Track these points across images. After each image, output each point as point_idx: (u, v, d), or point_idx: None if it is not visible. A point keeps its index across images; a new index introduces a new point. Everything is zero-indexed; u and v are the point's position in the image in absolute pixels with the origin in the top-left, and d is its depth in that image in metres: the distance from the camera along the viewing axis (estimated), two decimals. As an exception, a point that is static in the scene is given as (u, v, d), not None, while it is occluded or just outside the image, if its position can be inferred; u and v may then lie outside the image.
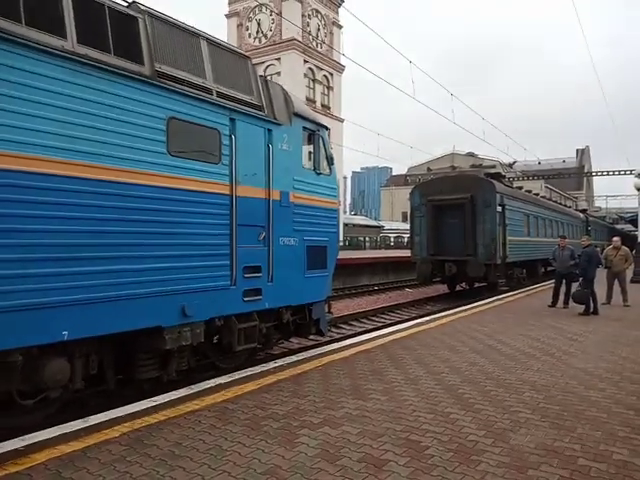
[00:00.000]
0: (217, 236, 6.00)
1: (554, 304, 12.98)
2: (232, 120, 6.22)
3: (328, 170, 8.08)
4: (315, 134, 7.78)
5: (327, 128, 8.36)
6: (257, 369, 6.28)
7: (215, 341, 6.87)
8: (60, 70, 4.53)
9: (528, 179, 47.72)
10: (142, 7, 5.51)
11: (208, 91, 5.98)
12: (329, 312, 8.56)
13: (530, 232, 21.68)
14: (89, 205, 4.71)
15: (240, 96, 6.44)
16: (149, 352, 5.64)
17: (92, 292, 4.73)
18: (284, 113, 7.15)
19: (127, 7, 5.41)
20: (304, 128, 7.57)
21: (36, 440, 3.94)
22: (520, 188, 24.52)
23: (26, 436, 4.00)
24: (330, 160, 8.12)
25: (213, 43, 6.29)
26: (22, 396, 4.73)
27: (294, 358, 6.97)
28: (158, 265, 5.32)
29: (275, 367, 6.40)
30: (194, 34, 6.05)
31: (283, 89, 7.46)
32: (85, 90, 4.72)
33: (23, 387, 4.70)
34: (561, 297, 13.00)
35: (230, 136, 6.18)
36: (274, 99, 7.05)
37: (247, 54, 7.18)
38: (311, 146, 7.79)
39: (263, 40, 43.17)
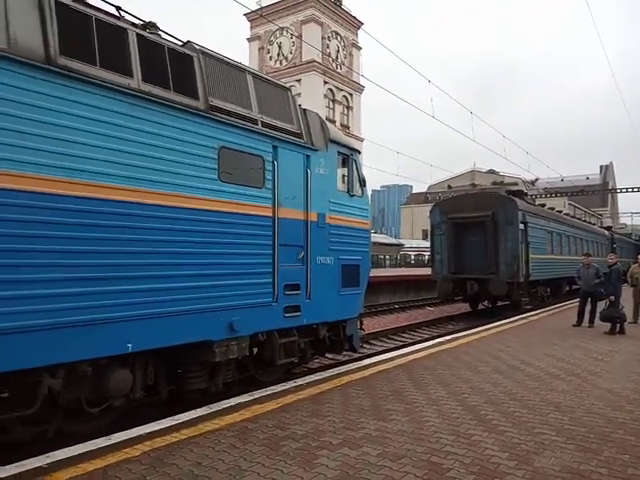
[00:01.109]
0: (261, 255, 6.41)
1: (579, 323, 12.72)
2: (275, 147, 6.64)
3: (360, 192, 8.47)
4: (349, 158, 8.20)
5: (359, 152, 8.70)
6: (277, 388, 6.27)
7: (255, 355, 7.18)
8: (128, 106, 4.97)
9: (551, 196, 47.13)
10: (196, 46, 5.96)
11: (254, 121, 6.40)
12: (361, 329, 8.80)
13: (554, 250, 21.35)
14: (153, 229, 5.13)
15: (282, 125, 6.85)
16: (199, 365, 6.00)
17: (153, 308, 5.14)
18: (321, 139, 7.58)
19: (183, 46, 5.88)
20: (339, 153, 8.01)
21: (60, 458, 3.99)
22: (543, 205, 24.24)
23: (49, 454, 4.05)
24: (362, 182, 8.52)
25: (257, 76, 6.77)
26: (89, 404, 5.14)
27: (313, 377, 6.94)
28: (210, 283, 5.73)
29: (295, 386, 6.39)
30: (240, 69, 6.52)
31: (320, 117, 7.87)
32: (149, 124, 5.15)
33: (90, 396, 5.11)
34: (586, 316, 12.73)
35: (273, 162, 6.59)
36: (312, 127, 7.47)
37: (287, 86, 7.59)
38: (345, 169, 8.19)
39: (284, 62, 43.91)
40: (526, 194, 23.74)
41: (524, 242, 17.52)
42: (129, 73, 5.05)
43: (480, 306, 19.71)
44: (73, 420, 5.21)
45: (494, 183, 63.36)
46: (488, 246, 17.21)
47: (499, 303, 19.02)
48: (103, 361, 4.97)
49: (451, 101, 22.42)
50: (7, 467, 3.75)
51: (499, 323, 13.29)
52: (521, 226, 17.38)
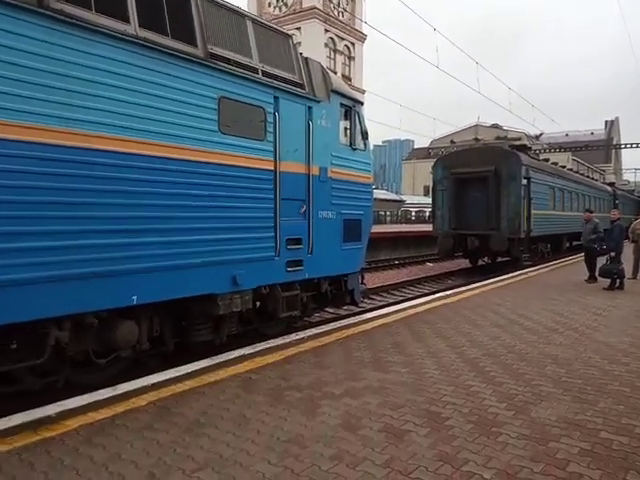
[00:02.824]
0: (263, 209, 6.36)
1: (590, 279, 12.66)
2: (276, 98, 6.46)
3: (363, 145, 8.31)
4: (351, 110, 8.00)
5: (362, 103, 8.48)
6: (279, 341, 6.37)
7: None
8: (124, 53, 4.80)
9: (555, 151, 46.67)
10: None
11: (254, 70, 6.20)
12: (362, 283, 8.85)
13: (555, 205, 21.25)
14: (155, 181, 5.07)
15: (283, 75, 6.65)
16: (203, 317, 6.07)
17: (157, 261, 5.16)
18: (323, 90, 7.37)
19: None
20: (341, 104, 7.81)
21: (68, 407, 4.09)
22: (546, 160, 23.97)
23: (58, 403, 4.16)
24: (365, 135, 8.33)
25: (258, 23, 6.51)
26: (96, 356, 5.24)
27: (315, 331, 7.05)
28: (212, 237, 5.73)
29: (297, 339, 6.50)
30: (240, 14, 6.26)
31: (322, 66, 7.65)
32: (147, 72, 4.99)
33: (98, 347, 5.21)
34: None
35: (274, 114, 6.43)
36: (314, 77, 7.26)
37: (288, 33, 7.30)
38: (347, 122, 8.01)
39: (283, 9, 42.48)
40: (530, 149, 23.39)
41: (526, 197, 17.42)
42: (125, 19, 4.85)
43: (480, 262, 19.82)
44: (81, 371, 5.33)
45: (498, 138, 62.42)
46: (490, 202, 17.11)
47: (499, 259, 19.11)
48: (109, 313, 5.04)
49: (456, 53, 21.82)
50: (17, 415, 3.85)
51: (499, 278, 13.40)
52: (524, 181, 17.24)
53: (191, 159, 5.43)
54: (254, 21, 6.47)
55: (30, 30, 4.14)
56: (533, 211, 17.81)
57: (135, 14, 4.94)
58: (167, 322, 5.93)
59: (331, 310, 9.98)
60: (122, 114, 4.78)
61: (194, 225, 5.51)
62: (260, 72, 6.28)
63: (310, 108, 7.05)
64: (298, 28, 40.71)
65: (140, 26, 4.97)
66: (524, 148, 20.93)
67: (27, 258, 4.17)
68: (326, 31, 41.60)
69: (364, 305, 11.93)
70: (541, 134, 57.72)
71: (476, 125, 71.53)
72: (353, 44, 44.64)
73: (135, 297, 4.99)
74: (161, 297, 5.32)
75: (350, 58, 44.50)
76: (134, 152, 4.90)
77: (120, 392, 4.48)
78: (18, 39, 4.06)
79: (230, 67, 5.86)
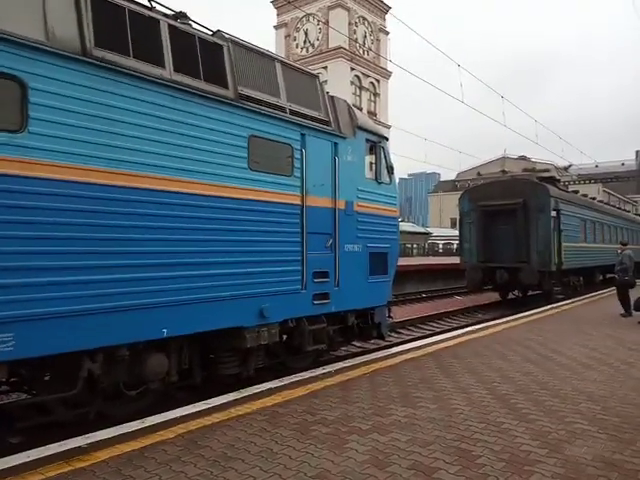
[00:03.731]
0: (290, 243, 6.50)
1: (626, 312, 12.29)
2: (303, 135, 6.68)
3: (388, 179, 8.44)
4: (377, 145, 8.18)
5: (387, 139, 8.65)
6: (306, 375, 6.35)
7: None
8: (160, 96, 5.07)
9: (584, 183, 46.04)
10: (225, 35, 6.02)
11: (282, 110, 6.44)
12: (389, 317, 8.82)
13: (587, 238, 20.84)
14: (186, 217, 5.26)
15: (310, 113, 6.88)
16: (231, 350, 6.15)
17: (187, 294, 5.28)
18: (349, 127, 7.58)
19: (212, 35, 5.94)
20: (367, 140, 7.99)
21: (98, 439, 4.14)
22: (576, 192, 23.63)
23: (88, 435, 4.22)
24: (390, 169, 8.49)
25: (285, 64, 6.80)
26: (127, 388, 5.32)
27: (342, 365, 7.00)
28: (241, 270, 5.86)
29: (323, 373, 6.46)
30: (269, 57, 6.56)
31: (347, 104, 7.87)
32: (181, 114, 5.25)
33: (128, 379, 5.29)
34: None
35: (301, 150, 6.63)
36: (340, 114, 7.48)
37: (315, 73, 7.59)
38: (373, 157, 8.18)
39: (310, 49, 43.77)
40: (558, 180, 23.12)
41: (556, 230, 17.15)
42: (161, 63, 5.13)
43: (510, 295, 19.43)
44: (112, 403, 5.41)
45: (525, 170, 61.89)
46: (519, 234, 16.89)
47: (530, 292, 18.71)
48: (140, 345, 5.15)
49: (481, 88, 21.99)
50: (51, 446, 3.93)
51: (530, 312, 13.11)
52: (553, 213, 17.01)
53: (222, 195, 5.63)
54: (282, 63, 6.77)
55: (74, 77, 4.42)
56: (564, 243, 17.50)
57: (170, 59, 5.21)
58: (196, 355, 5.99)
59: (358, 344, 9.90)
60: (159, 154, 5.02)
61: (223, 259, 5.65)
62: (288, 111, 6.51)
63: (336, 144, 7.25)
64: (325, 67, 41.85)
65: (175, 70, 5.24)
66: (552, 180, 20.73)
67: (63, 292, 4.31)
68: (352, 69, 42.60)
69: (391, 339, 11.80)
70: (570, 165, 57.04)
71: (503, 157, 71.18)
72: (378, 81, 45.52)
73: (165, 330, 5.10)
74: (191, 330, 5.42)
75: (375, 94, 45.32)
76: (169, 190, 5.12)
77: (148, 424, 4.52)
78: (65, 86, 4.36)
79: (259, 107, 6.09)
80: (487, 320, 12.98)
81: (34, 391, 5.07)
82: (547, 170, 51.67)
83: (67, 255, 4.35)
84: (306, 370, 6.69)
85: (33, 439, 4.63)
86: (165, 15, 5.45)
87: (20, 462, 3.64)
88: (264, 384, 5.87)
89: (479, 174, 67.43)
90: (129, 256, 4.78)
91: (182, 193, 5.22)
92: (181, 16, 5.70)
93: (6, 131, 4.01)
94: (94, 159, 4.53)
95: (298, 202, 6.58)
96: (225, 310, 5.68)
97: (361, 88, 43.85)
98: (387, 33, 46.24)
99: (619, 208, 34.09)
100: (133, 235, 4.81)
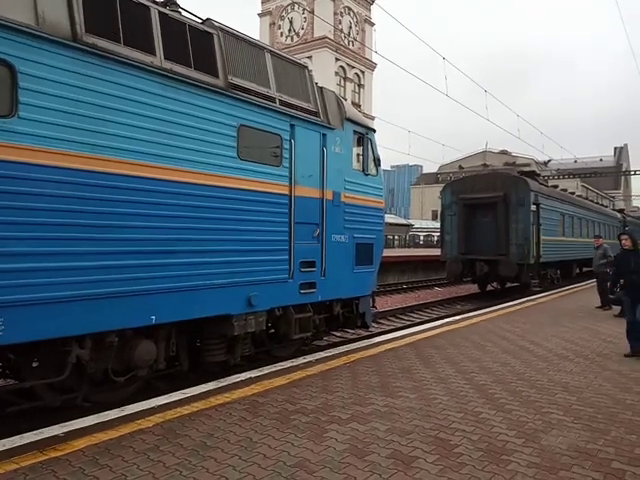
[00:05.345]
0: (278, 233, 6.51)
1: (602, 305, 12.55)
2: (292, 126, 6.68)
3: (375, 171, 8.48)
4: (364, 137, 8.21)
5: (374, 131, 8.66)
6: (286, 364, 6.36)
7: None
8: (150, 83, 5.00)
9: (564, 178, 46.61)
10: (215, 23, 5.95)
11: (272, 100, 6.41)
12: (373, 306, 8.93)
13: (565, 232, 21.19)
14: (176, 205, 5.22)
15: (299, 103, 6.86)
16: (218, 338, 6.17)
17: (176, 282, 5.28)
18: (337, 118, 7.59)
19: (202, 23, 5.86)
20: (354, 132, 8.02)
21: (75, 427, 4.09)
22: (555, 187, 23.97)
23: (65, 423, 4.16)
24: (377, 161, 8.52)
25: (275, 54, 6.74)
26: (115, 374, 5.30)
27: (322, 354, 7.02)
28: (229, 259, 5.86)
29: (304, 363, 6.47)
30: (259, 47, 6.51)
31: (336, 95, 7.86)
32: (170, 101, 5.18)
33: (117, 366, 5.28)
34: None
35: (290, 141, 6.62)
36: (328, 105, 7.47)
37: (304, 64, 7.52)
38: (360, 148, 8.20)
39: (295, 39, 43.41)
40: (538, 175, 23.42)
41: (535, 223, 17.40)
42: (152, 51, 5.07)
43: (489, 287, 19.69)
44: (100, 389, 5.40)
45: (506, 164, 62.61)
46: (499, 227, 17.11)
47: (508, 285, 18.98)
48: (129, 332, 5.16)
49: (464, 82, 22.09)
50: (26, 435, 3.86)
51: (508, 304, 13.30)
52: (533, 207, 17.25)
53: (211, 184, 5.62)
54: (272, 53, 6.71)
55: (65, 63, 4.34)
56: (542, 237, 17.77)
57: (161, 46, 5.14)
58: (183, 342, 6.01)
59: (338, 334, 9.94)
60: (149, 142, 4.98)
61: (212, 247, 5.66)
62: (277, 101, 6.49)
63: (324, 135, 7.25)
64: (309, 57, 41.52)
65: (165, 58, 5.17)
66: (533, 174, 20.99)
67: (52, 278, 4.27)
68: (337, 60, 42.39)
69: (372, 329, 11.87)
70: (549, 160, 57.81)
71: (484, 151, 71.86)
72: (363, 72, 45.40)
73: (154, 317, 5.09)
74: (179, 317, 5.42)
75: (360, 86, 45.21)
76: (158, 177, 5.07)
77: (127, 413, 4.48)
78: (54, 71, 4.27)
79: (249, 96, 6.05)
80: (466, 311, 13.13)
81: (22, 377, 5.01)
82: (527, 165, 52.31)
83: (56, 241, 4.30)
84: (290, 359, 6.70)
85: (7, 428, 4.54)
86: (154, 2, 5.35)
87: (-7, 451, 3.58)
88: (244, 373, 5.86)
89: (461, 167, 67.97)
90: (117, 243, 4.76)
91: (171, 181, 5.19)
92: (170, 3, 5.62)
93: None
94: (84, 145, 4.46)
95: (286, 192, 6.59)
96: (213, 298, 5.69)
97: (346, 79, 43.69)
98: (372, 24, 46.06)
99: (597, 203, 34.70)
100: (122, 222, 4.78)
